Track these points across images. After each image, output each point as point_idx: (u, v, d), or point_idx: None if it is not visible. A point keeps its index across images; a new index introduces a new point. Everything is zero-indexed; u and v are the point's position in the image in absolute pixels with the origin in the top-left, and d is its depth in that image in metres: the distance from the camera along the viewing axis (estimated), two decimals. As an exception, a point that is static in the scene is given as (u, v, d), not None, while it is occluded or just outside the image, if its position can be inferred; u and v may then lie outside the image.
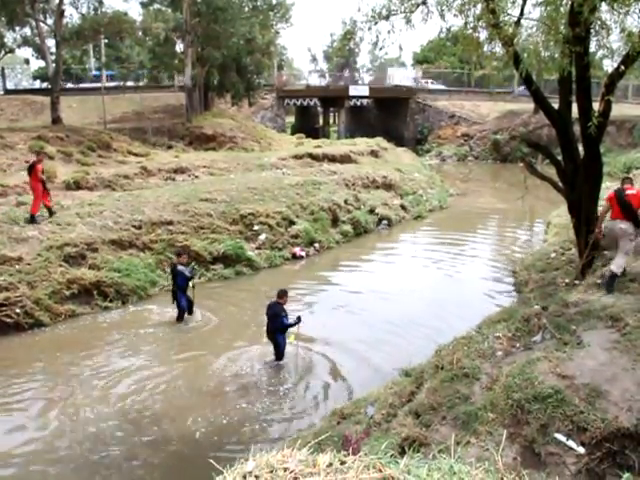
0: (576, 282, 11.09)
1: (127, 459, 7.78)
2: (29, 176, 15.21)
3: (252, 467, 3.08)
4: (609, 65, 11.46)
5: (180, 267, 12.21)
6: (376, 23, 9.75)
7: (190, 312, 12.50)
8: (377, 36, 9.84)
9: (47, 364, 10.51)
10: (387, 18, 9.65)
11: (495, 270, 16.00)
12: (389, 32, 9.80)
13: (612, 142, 33.13)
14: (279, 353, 10.44)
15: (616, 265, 8.78)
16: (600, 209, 10.03)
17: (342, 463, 3.11)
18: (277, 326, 10.27)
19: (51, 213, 15.11)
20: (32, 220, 14.56)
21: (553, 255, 14.21)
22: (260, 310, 12.73)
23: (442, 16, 9.29)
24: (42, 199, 14.93)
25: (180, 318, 12.31)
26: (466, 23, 9.26)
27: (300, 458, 3.13)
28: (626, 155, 29.72)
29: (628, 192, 9.10)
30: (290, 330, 10.51)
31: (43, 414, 8.86)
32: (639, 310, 6.85)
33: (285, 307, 10.41)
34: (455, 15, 9.31)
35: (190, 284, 12.37)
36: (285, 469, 2.99)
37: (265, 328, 10.53)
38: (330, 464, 3.09)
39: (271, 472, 3.00)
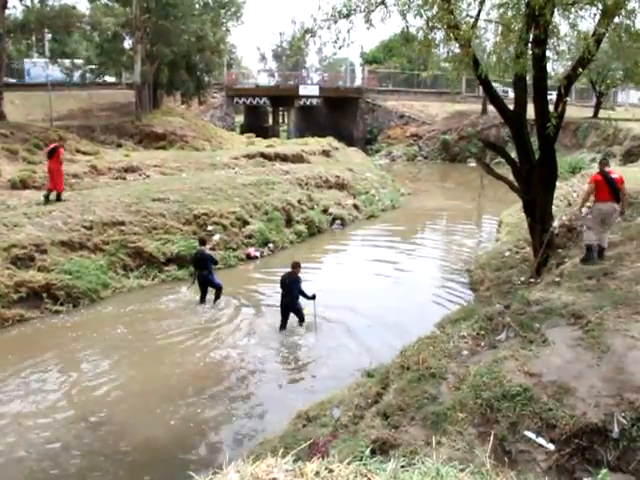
0: (531, 280, 11.32)
1: (87, 470, 7.50)
2: (49, 159, 16.57)
3: (236, 479, 2.95)
4: (553, 69, 11.75)
5: (208, 252, 13.41)
6: (336, 21, 9.71)
7: (203, 300, 13.16)
8: (337, 35, 9.79)
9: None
10: (347, 17, 9.61)
11: (450, 269, 16.18)
12: (349, 31, 9.77)
13: (558, 143, 33.74)
14: (301, 317, 11.80)
15: (602, 240, 9.86)
16: (584, 191, 10.95)
17: (330, 471, 3.03)
18: (295, 294, 11.53)
19: (59, 198, 16.20)
20: (58, 199, 16.07)
21: (507, 254, 14.44)
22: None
23: (403, 16, 9.32)
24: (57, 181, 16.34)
25: (218, 297, 13.15)
26: (427, 22, 9.30)
27: (286, 467, 3.03)
28: (571, 156, 30.53)
29: (613, 175, 9.91)
30: (305, 304, 11.74)
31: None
32: (600, 307, 6.97)
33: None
34: (415, 16, 9.34)
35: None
36: (273, 480, 2.88)
37: (281, 299, 11.67)
38: (317, 472, 3.00)
39: (258, 484, 2.88)
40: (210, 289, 13.22)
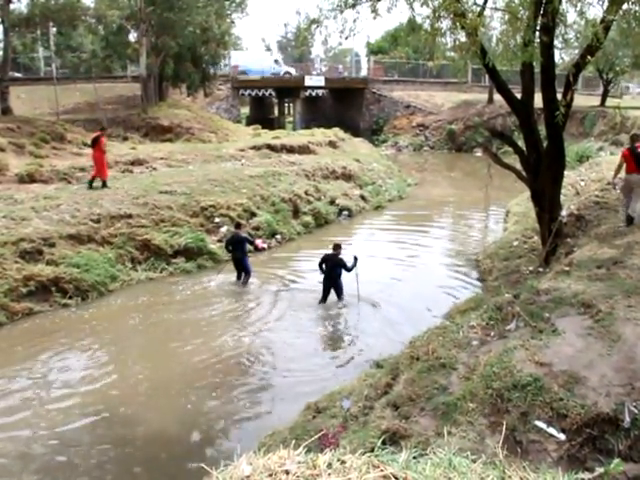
0: (540, 270, 11.28)
1: (98, 462, 7.53)
2: (92, 148, 17.90)
3: (249, 471, 2.94)
4: (561, 57, 11.74)
5: (243, 234, 14.20)
6: (342, 11, 9.67)
7: (239, 278, 13.99)
8: (343, 25, 9.75)
9: (7, 363, 10.09)
10: (353, 6, 9.56)
11: (457, 259, 16.12)
12: (355, 21, 9.72)
13: (564, 132, 33.69)
14: (341, 294, 12.43)
15: (632, 210, 10.73)
16: (616, 163, 11.86)
17: (342, 463, 3.02)
18: (339, 273, 12.24)
19: (104, 185, 17.31)
20: (104, 185, 17.29)
21: (515, 243, 14.38)
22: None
23: (410, 5, 9.26)
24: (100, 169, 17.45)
25: (246, 282, 13.91)
26: (434, 11, 9.24)
27: (298, 459, 3.02)
28: (578, 144, 30.28)
29: None
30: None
31: (6, 415, 8.54)
32: (610, 296, 6.93)
33: None
34: (421, 4, 9.28)
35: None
36: (286, 472, 2.87)
37: (322, 278, 12.39)
38: (329, 464, 3.00)
39: (271, 476, 2.87)
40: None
